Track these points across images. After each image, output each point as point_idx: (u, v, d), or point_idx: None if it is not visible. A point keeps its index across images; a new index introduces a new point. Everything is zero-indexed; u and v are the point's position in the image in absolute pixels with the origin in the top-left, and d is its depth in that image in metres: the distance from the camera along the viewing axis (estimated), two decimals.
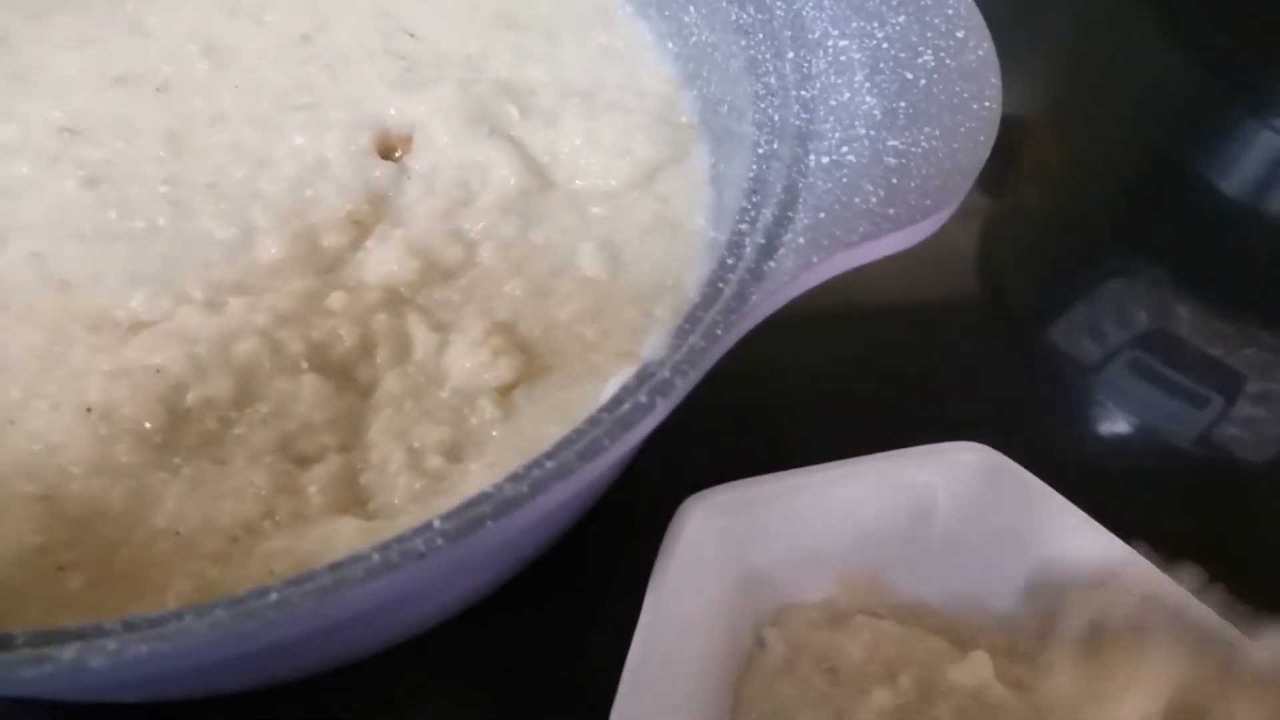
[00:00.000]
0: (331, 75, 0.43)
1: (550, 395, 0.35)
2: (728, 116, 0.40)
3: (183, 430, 0.32)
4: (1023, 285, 0.54)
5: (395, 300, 0.37)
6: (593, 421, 0.27)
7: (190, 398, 0.33)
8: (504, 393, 0.35)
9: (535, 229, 0.39)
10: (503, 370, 0.35)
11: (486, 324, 0.36)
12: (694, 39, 0.43)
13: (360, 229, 0.38)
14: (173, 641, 0.23)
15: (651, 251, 0.39)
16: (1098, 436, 0.48)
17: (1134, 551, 0.32)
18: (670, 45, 0.45)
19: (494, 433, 0.34)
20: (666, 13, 0.45)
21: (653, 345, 0.30)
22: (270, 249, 0.37)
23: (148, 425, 0.32)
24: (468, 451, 0.34)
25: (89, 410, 0.32)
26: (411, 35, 0.45)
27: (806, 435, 0.46)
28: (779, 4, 0.38)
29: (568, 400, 0.35)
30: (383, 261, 0.37)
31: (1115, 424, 0.48)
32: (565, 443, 0.27)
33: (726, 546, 0.34)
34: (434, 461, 0.33)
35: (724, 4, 0.40)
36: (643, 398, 0.27)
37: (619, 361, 0.36)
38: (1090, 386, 0.49)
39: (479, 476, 0.33)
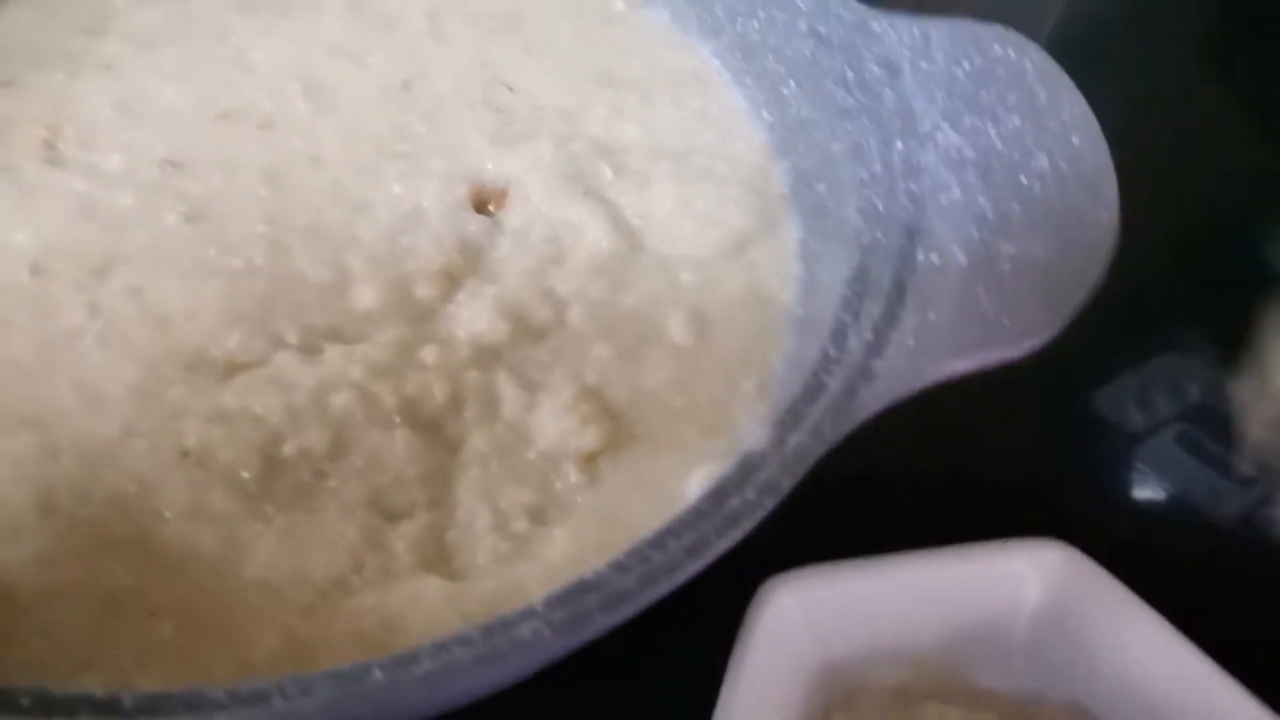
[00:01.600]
0: (430, 123, 0.43)
1: (635, 465, 0.35)
2: (825, 196, 0.39)
3: (278, 480, 0.32)
4: (1075, 352, 0.53)
5: (486, 357, 0.36)
6: (698, 514, 0.27)
7: (287, 448, 0.33)
8: (590, 459, 0.35)
9: (625, 292, 0.39)
10: (590, 437, 0.35)
11: (575, 388, 0.36)
12: (792, 113, 0.43)
13: (452, 282, 0.38)
14: (277, 716, 0.23)
15: (739, 323, 0.39)
16: (1142, 509, 0.47)
17: (1222, 678, 0.31)
18: (765, 115, 0.45)
19: (578, 499, 0.34)
20: (764, 83, 0.45)
21: (752, 433, 0.29)
22: (365, 296, 0.37)
23: (244, 474, 0.32)
24: (552, 515, 0.33)
25: (186, 454, 0.32)
26: (510, 88, 0.45)
27: (868, 512, 0.45)
28: (888, 91, 0.37)
29: (652, 471, 0.35)
30: (473, 318, 0.37)
31: (1156, 495, 0.47)
32: (670, 533, 0.26)
33: (807, 630, 0.33)
34: (519, 524, 0.33)
35: (829, 84, 0.40)
36: (751, 494, 0.26)
37: (705, 435, 0.36)
38: (1135, 456, 0.48)
39: (563, 542, 0.33)
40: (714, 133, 0.45)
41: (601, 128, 0.44)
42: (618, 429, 0.36)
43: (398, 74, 0.45)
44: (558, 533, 0.33)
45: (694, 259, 0.40)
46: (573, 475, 0.34)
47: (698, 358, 0.38)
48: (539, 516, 0.33)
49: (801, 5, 0.42)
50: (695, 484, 0.32)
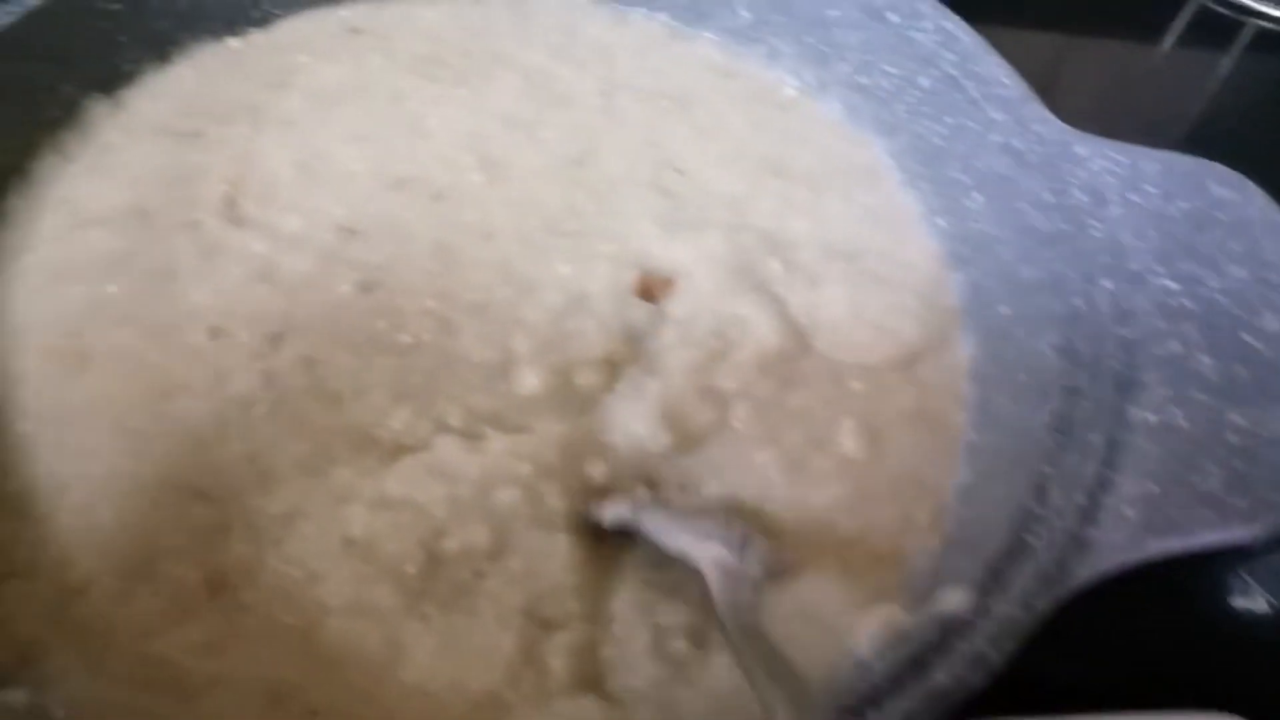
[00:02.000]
0: (599, 202, 0.43)
1: (799, 591, 0.33)
2: (1011, 322, 0.38)
3: (439, 577, 0.31)
4: None
5: (645, 462, 0.35)
6: (896, 681, 0.25)
7: (448, 543, 0.32)
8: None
9: (792, 393, 0.37)
10: (750, 561, 0.33)
11: (737, 505, 0.34)
12: (974, 226, 0.41)
13: (613, 371, 0.37)
14: None
15: (910, 443, 0.37)
16: None
17: None
18: (940, 222, 0.43)
19: None
20: (943, 190, 0.43)
21: (951, 596, 0.28)
22: (528, 380, 0.37)
23: (408, 569, 0.31)
24: (711, 638, 0.32)
25: (351, 543, 0.32)
26: (680, 171, 0.45)
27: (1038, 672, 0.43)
28: (1093, 222, 0.35)
29: (818, 601, 0.33)
30: (633, 419, 0.36)
31: None
32: (869, 700, 0.25)
33: None
34: (677, 645, 0.32)
35: (1022, 204, 0.38)
36: (959, 669, 0.25)
37: (875, 567, 0.34)
38: None
39: (722, 671, 0.31)
40: (885, 234, 0.44)
41: (771, 219, 0.43)
42: (779, 549, 0.34)
43: (569, 150, 0.45)
44: (717, 659, 0.31)
45: (863, 367, 0.39)
46: None
47: (867, 475, 0.36)
48: (698, 638, 0.32)
49: (995, 117, 0.41)
50: (869, 627, 0.31)
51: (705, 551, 0.31)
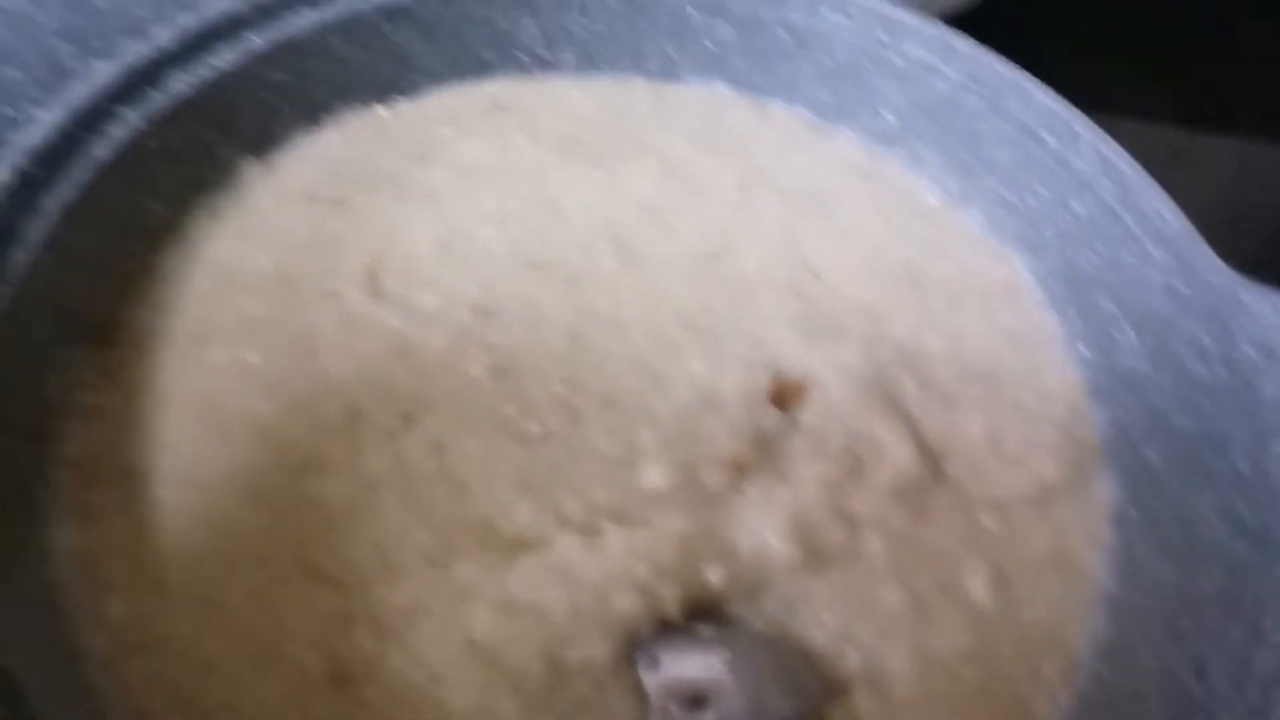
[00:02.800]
0: (733, 301, 0.43)
1: None
2: (1162, 471, 0.36)
3: (561, 690, 0.31)
4: None
5: (766, 578, 0.34)
6: None
7: (570, 654, 0.31)
8: None
9: (924, 527, 0.36)
10: (862, 701, 0.32)
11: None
12: (1122, 361, 0.40)
13: (742, 474, 0.37)
14: None
15: (1042, 591, 0.36)
16: None
17: None
18: (1083, 350, 0.42)
19: None
20: (1090, 318, 0.42)
21: None
22: (653, 476, 0.36)
23: (530, 679, 0.31)
24: None
25: (474, 646, 0.31)
26: (815, 275, 0.44)
27: None
28: (1265, 381, 0.34)
29: None
30: (762, 525, 0.35)
31: None
32: None
33: None
34: None
35: (1180, 347, 0.37)
36: None
37: None
38: None
39: None
40: (1024, 358, 0.43)
41: (906, 332, 0.43)
42: (890, 700, 0.33)
43: (705, 244, 0.45)
44: None
45: (997, 501, 0.38)
46: None
47: (995, 624, 0.35)
48: None
49: (1154, 253, 0.40)
50: None
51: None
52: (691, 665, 0.31)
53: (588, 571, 0.33)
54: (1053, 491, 0.38)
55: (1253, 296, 0.36)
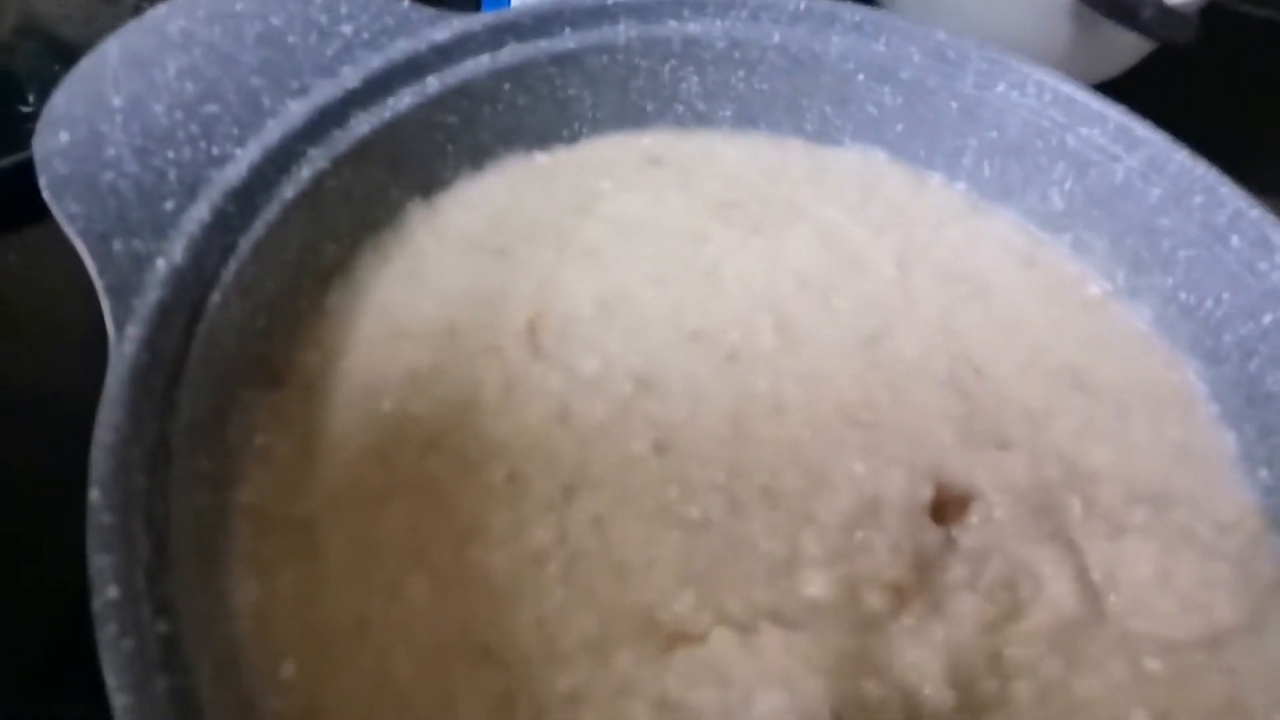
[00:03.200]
0: (894, 394, 0.42)
1: None
2: None
3: None
4: None
5: (918, 712, 0.33)
6: None
7: None
8: None
9: (1081, 677, 0.35)
10: None
11: None
12: None
13: (901, 600, 0.36)
14: None
15: None
16: None
17: None
18: (1264, 474, 0.40)
19: None
20: (1272, 441, 0.40)
21: None
22: (815, 584, 0.35)
23: None
24: None
25: None
26: (977, 370, 0.43)
27: None
28: None
29: None
30: (920, 664, 0.34)
31: None
32: None
33: None
34: None
35: None
36: None
37: None
38: None
39: None
40: (1194, 478, 0.41)
41: (1070, 442, 0.41)
42: None
43: (864, 324, 0.44)
44: None
45: (1164, 644, 0.36)
46: None
47: None
48: None
49: None
50: None
51: None
52: None
53: (739, 669, 0.33)
54: (1227, 635, 0.36)
55: None
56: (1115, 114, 0.46)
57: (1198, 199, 0.44)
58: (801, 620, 0.35)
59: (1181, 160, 0.44)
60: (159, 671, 0.25)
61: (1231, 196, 0.43)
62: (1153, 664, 0.36)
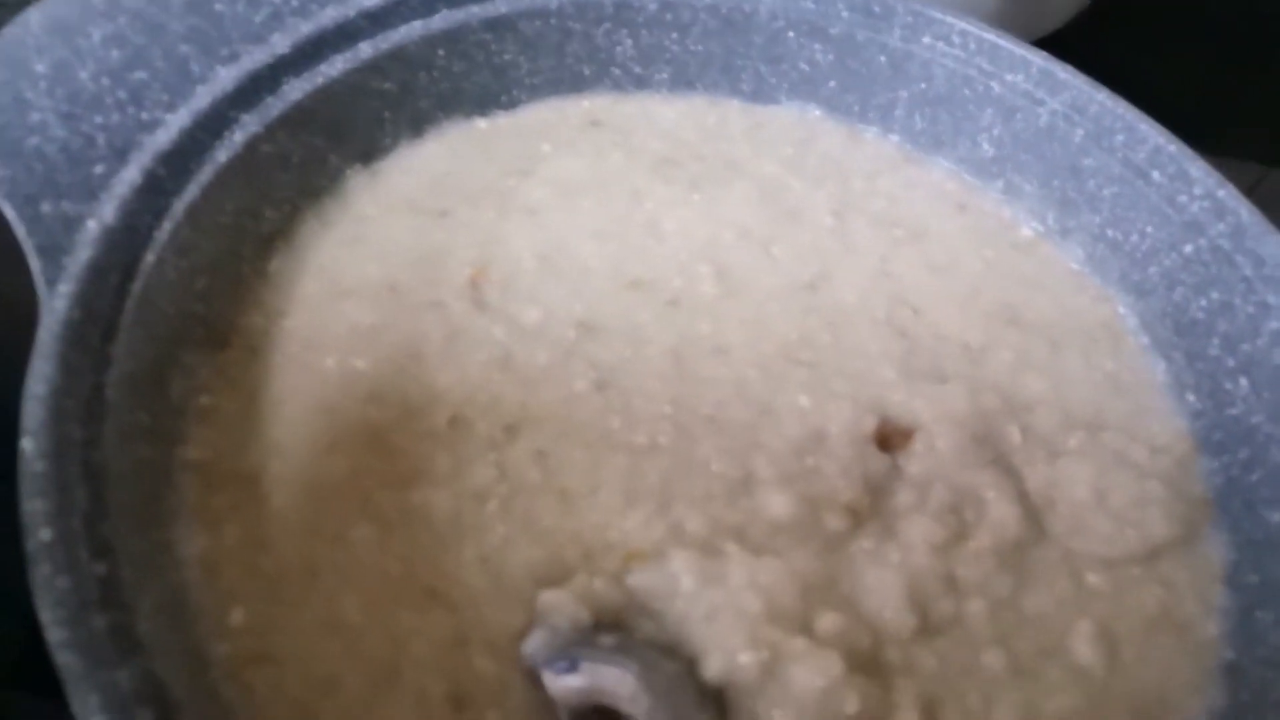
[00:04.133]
0: (835, 334, 0.42)
1: None
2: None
3: None
4: None
5: (877, 637, 0.34)
6: None
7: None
8: None
9: (1029, 593, 0.35)
10: None
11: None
12: (1235, 412, 0.39)
13: (857, 521, 0.36)
14: None
15: (1154, 654, 0.35)
16: None
17: None
18: (1192, 399, 0.41)
19: None
20: (1199, 366, 0.41)
21: None
22: (774, 504, 0.35)
23: None
24: None
25: None
26: (914, 310, 0.44)
27: None
28: None
29: None
30: (881, 588, 0.34)
31: None
32: None
33: None
34: None
35: None
36: None
37: None
38: None
39: None
40: (1127, 405, 0.42)
41: (1007, 375, 0.42)
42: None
43: (803, 271, 0.44)
44: None
45: (1103, 560, 0.37)
46: None
47: (1103, 688, 0.34)
48: None
49: (1272, 302, 0.39)
50: None
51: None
52: (601, 674, 0.30)
53: (698, 609, 0.33)
54: (1162, 549, 0.37)
55: None
56: (1037, 60, 0.47)
57: (1119, 138, 0.45)
58: (768, 542, 0.35)
59: (1102, 101, 0.45)
60: (97, 610, 0.25)
61: (1150, 133, 0.44)
62: (1094, 579, 0.36)
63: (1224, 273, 0.41)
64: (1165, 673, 0.34)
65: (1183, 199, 0.43)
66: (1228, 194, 0.41)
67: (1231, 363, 0.40)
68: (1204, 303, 0.41)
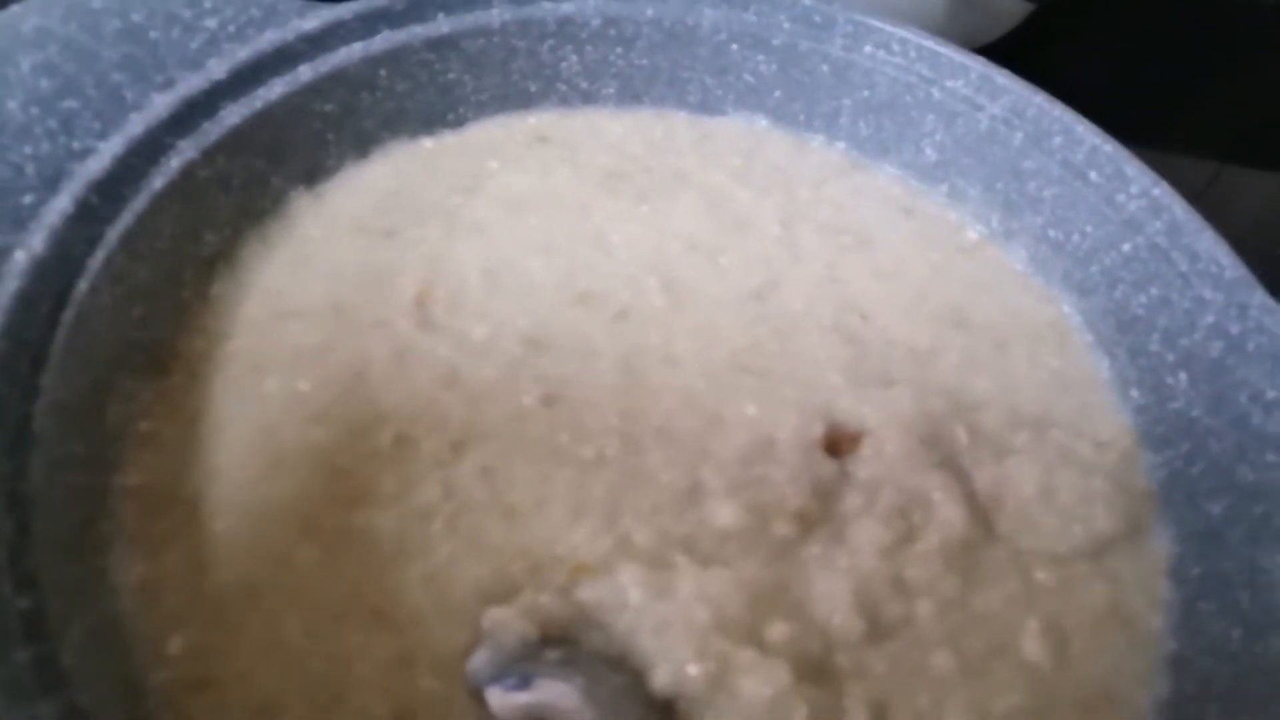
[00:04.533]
0: (782, 342, 0.42)
1: None
2: (1223, 523, 0.35)
3: None
4: None
5: (826, 642, 0.34)
6: None
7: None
8: None
9: (977, 593, 0.35)
10: None
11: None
12: (1176, 406, 0.39)
13: (806, 527, 0.36)
14: None
15: (1101, 649, 0.35)
16: None
17: None
18: (1135, 394, 0.42)
19: None
20: (1141, 362, 0.41)
21: None
22: (721, 514, 0.35)
23: None
24: None
25: None
26: (862, 315, 0.44)
27: None
28: None
29: None
30: (830, 592, 0.34)
31: None
32: None
33: None
34: None
35: (1242, 400, 0.36)
36: None
37: None
38: None
39: None
40: (1073, 403, 0.42)
41: (954, 376, 0.42)
42: None
43: (750, 280, 0.44)
44: None
45: (1050, 557, 0.37)
46: None
47: (1052, 684, 0.34)
48: None
49: (1208, 296, 0.39)
50: None
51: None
52: (549, 690, 0.30)
53: (646, 620, 0.32)
54: (1108, 545, 0.37)
55: None
56: (976, 65, 0.47)
57: (1057, 140, 0.45)
58: (717, 552, 0.35)
59: (1040, 104, 0.46)
60: (19, 644, 0.24)
61: (1087, 134, 0.44)
62: (1041, 576, 0.36)
63: (1161, 269, 0.41)
64: (1112, 667, 0.34)
65: (1120, 198, 0.43)
66: (1163, 192, 0.42)
67: (1171, 358, 0.40)
68: (1144, 299, 0.42)
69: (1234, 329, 0.37)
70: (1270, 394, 0.35)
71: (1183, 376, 0.39)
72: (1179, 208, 0.41)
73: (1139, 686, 0.34)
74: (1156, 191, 0.42)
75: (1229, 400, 0.37)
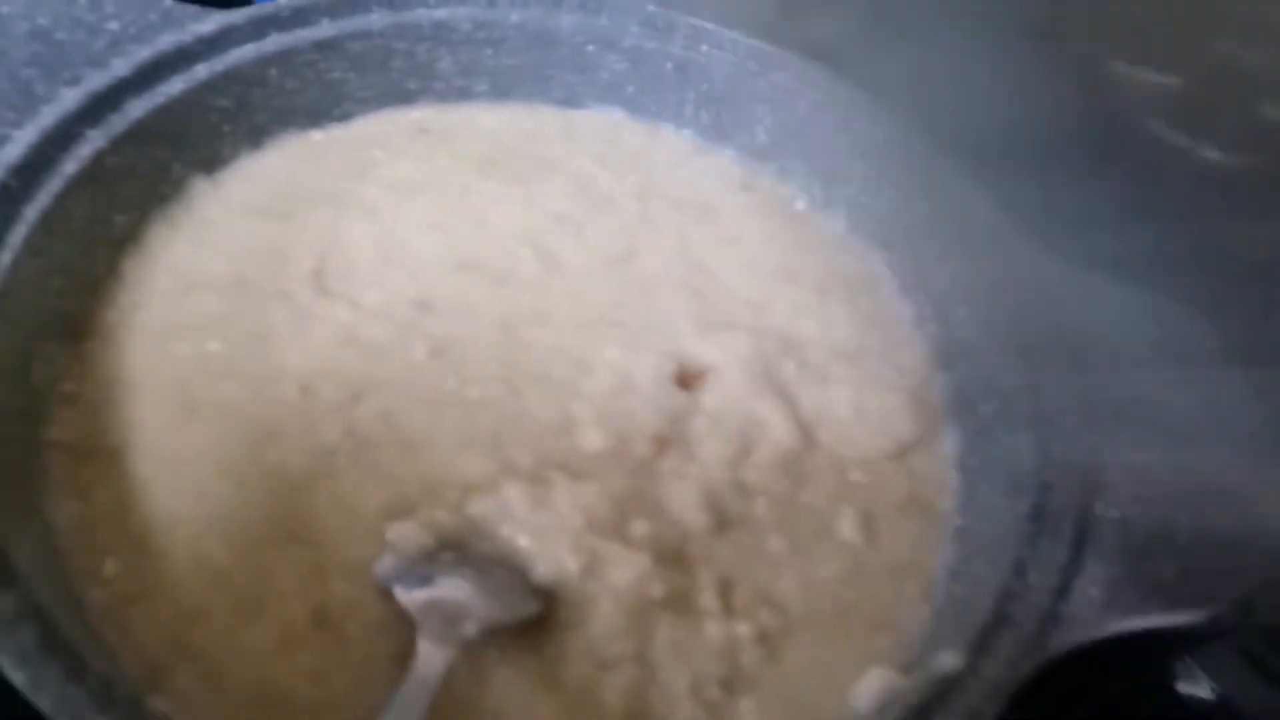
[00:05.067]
0: (642, 298, 0.47)
1: (809, 649, 0.37)
2: (992, 420, 0.42)
3: None
4: None
5: (683, 534, 0.39)
6: None
7: None
8: (765, 641, 0.37)
9: (804, 491, 0.41)
10: (765, 619, 0.37)
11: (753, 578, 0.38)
12: (958, 334, 0.46)
13: (662, 447, 0.41)
14: None
15: (903, 528, 0.41)
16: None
17: None
18: (930, 328, 0.48)
19: (762, 674, 0.36)
20: (933, 300, 0.48)
21: (945, 657, 0.32)
22: (591, 439, 0.40)
23: None
24: (739, 688, 0.36)
25: None
26: (708, 274, 0.49)
27: None
28: (1064, 339, 0.40)
29: (825, 658, 0.37)
30: (683, 500, 0.39)
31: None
32: None
33: None
34: (712, 692, 0.35)
35: (1003, 320, 0.43)
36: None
37: (872, 631, 0.38)
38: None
39: (751, 715, 0.35)
40: (882, 338, 0.49)
41: (784, 320, 0.48)
42: (788, 618, 0.38)
43: (613, 248, 0.49)
44: (744, 704, 0.35)
45: (863, 460, 0.43)
46: (754, 654, 0.36)
47: (865, 557, 0.40)
48: (729, 687, 0.35)
49: (979, 241, 0.46)
50: (868, 686, 0.35)
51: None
52: (447, 585, 0.34)
53: (530, 522, 0.37)
54: (908, 447, 0.44)
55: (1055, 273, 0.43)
56: (794, 60, 0.53)
57: (860, 122, 0.52)
58: (589, 468, 0.40)
59: (847, 91, 0.52)
60: None
61: (881, 116, 0.51)
62: (855, 475, 0.43)
63: (945, 223, 0.48)
64: (913, 541, 0.41)
65: (911, 167, 0.50)
66: (942, 163, 0.48)
67: (955, 294, 0.47)
68: (934, 248, 0.48)
69: (996, 266, 0.44)
70: (1024, 314, 0.42)
71: (962, 309, 0.46)
72: (954, 175, 0.48)
73: (933, 554, 0.40)
74: (936, 163, 0.49)
75: (996, 322, 0.44)
